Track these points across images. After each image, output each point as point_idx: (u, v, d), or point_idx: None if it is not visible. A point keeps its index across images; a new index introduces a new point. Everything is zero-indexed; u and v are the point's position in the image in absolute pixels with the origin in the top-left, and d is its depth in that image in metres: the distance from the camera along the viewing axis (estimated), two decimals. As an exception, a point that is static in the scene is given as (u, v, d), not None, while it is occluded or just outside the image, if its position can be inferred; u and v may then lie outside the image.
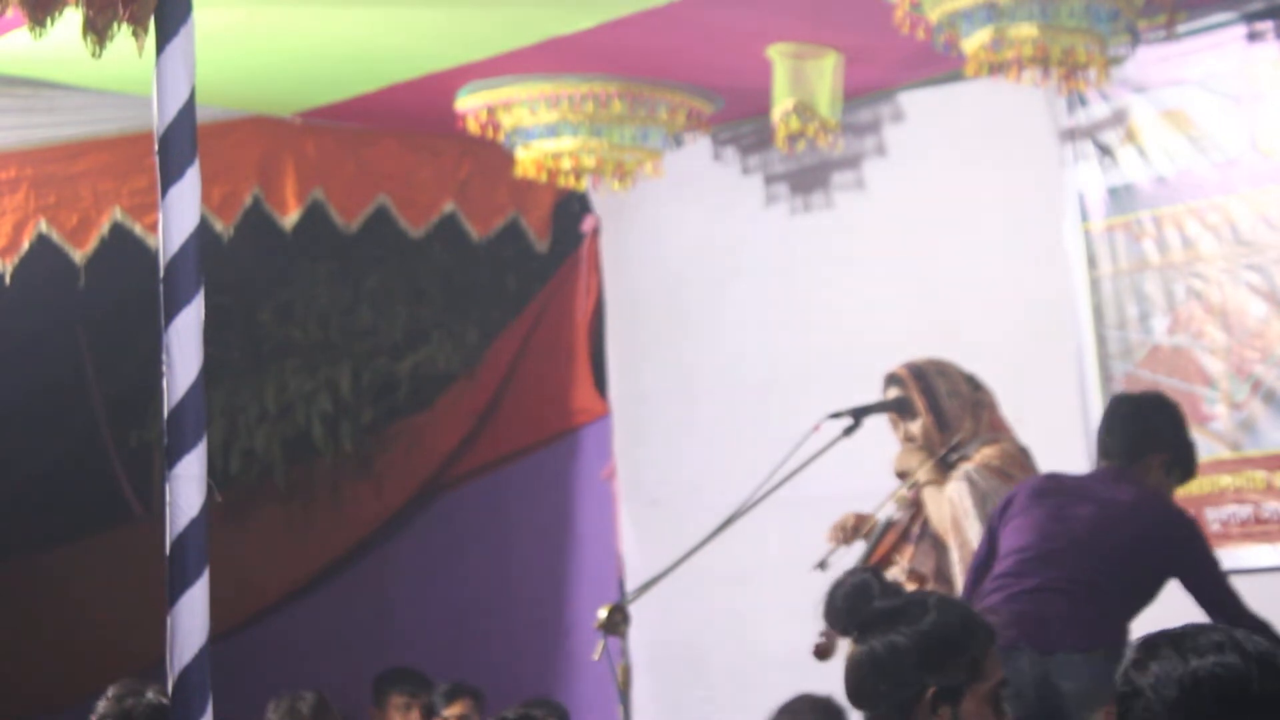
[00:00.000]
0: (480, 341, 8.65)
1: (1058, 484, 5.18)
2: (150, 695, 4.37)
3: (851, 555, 5.70)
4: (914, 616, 3.27)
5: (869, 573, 3.42)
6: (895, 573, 5.63)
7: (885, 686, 3.24)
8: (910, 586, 5.57)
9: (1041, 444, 5.69)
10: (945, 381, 5.65)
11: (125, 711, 4.37)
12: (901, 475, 5.67)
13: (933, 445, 5.59)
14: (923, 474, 5.56)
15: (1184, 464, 5.22)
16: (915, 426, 5.62)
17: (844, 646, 5.44)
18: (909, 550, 5.59)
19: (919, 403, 5.61)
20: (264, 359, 8.81)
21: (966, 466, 5.50)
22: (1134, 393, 5.75)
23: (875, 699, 3.27)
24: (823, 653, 5.51)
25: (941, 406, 5.60)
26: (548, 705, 6.18)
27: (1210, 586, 4.96)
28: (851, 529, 5.73)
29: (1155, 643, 2.75)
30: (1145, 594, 5.00)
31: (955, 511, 5.42)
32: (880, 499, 5.78)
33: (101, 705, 4.42)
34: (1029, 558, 4.98)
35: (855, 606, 3.38)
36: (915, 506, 5.63)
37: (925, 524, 5.58)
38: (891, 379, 5.71)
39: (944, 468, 5.56)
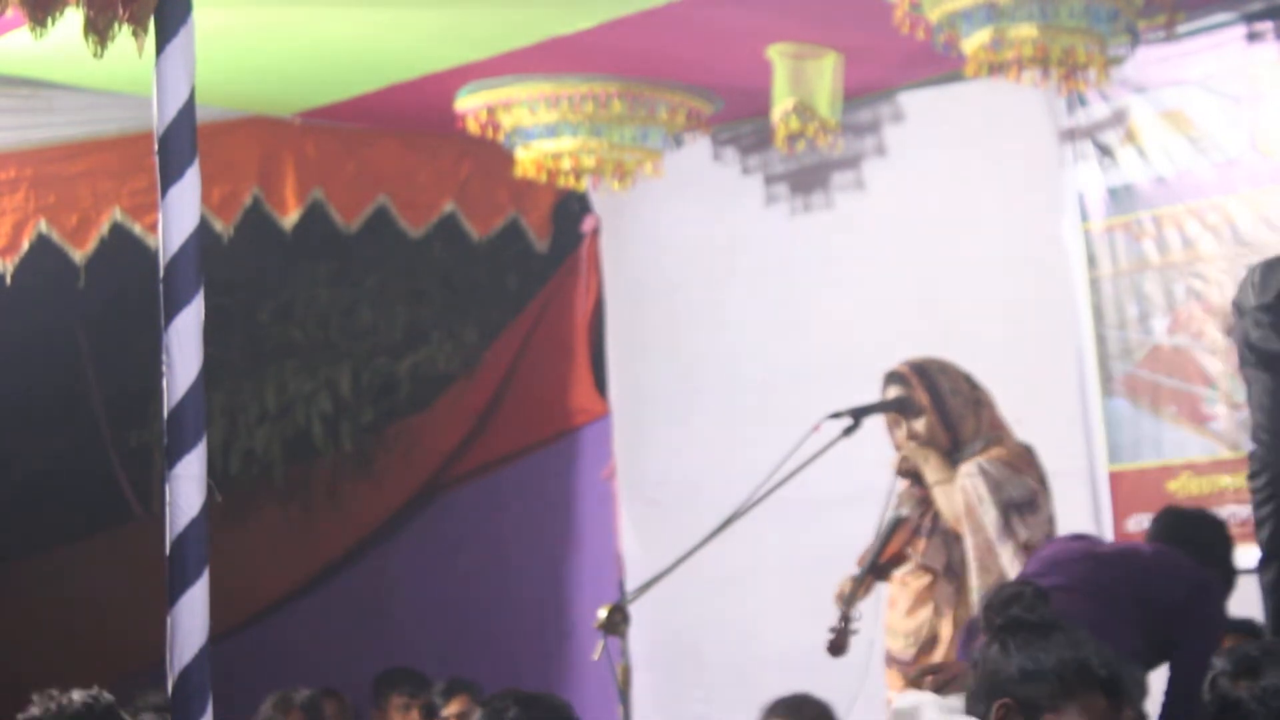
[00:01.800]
0: (480, 342, 8.65)
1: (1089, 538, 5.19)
2: (76, 696, 4.37)
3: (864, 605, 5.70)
4: (1033, 636, 3.34)
5: (1029, 587, 3.51)
6: (908, 567, 5.64)
7: (979, 686, 3.31)
8: (922, 579, 5.57)
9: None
10: (947, 379, 5.66)
11: (60, 709, 4.39)
12: (905, 473, 5.66)
13: (938, 442, 5.60)
14: (931, 471, 5.57)
15: (1228, 583, 5.14)
16: (920, 424, 5.62)
17: (855, 643, 5.49)
18: (921, 544, 5.60)
19: (923, 400, 5.61)
20: (264, 359, 8.81)
21: (977, 459, 5.51)
22: (1188, 509, 5.61)
23: (974, 696, 3.35)
24: (835, 648, 5.51)
25: (945, 404, 5.61)
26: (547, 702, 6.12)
27: (1195, 657, 4.83)
28: (850, 594, 5.73)
29: (1249, 655, 2.77)
30: (1154, 646, 4.89)
31: (969, 499, 5.42)
32: (880, 499, 5.78)
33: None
34: (1050, 560, 4.96)
35: (1000, 611, 3.49)
36: (925, 503, 5.64)
37: (936, 519, 5.58)
38: (893, 377, 5.71)
39: (952, 463, 5.57)
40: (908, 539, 5.65)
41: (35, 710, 4.40)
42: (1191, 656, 4.76)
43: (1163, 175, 6.46)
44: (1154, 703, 4.66)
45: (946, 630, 5.46)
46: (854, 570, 5.74)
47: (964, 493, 5.46)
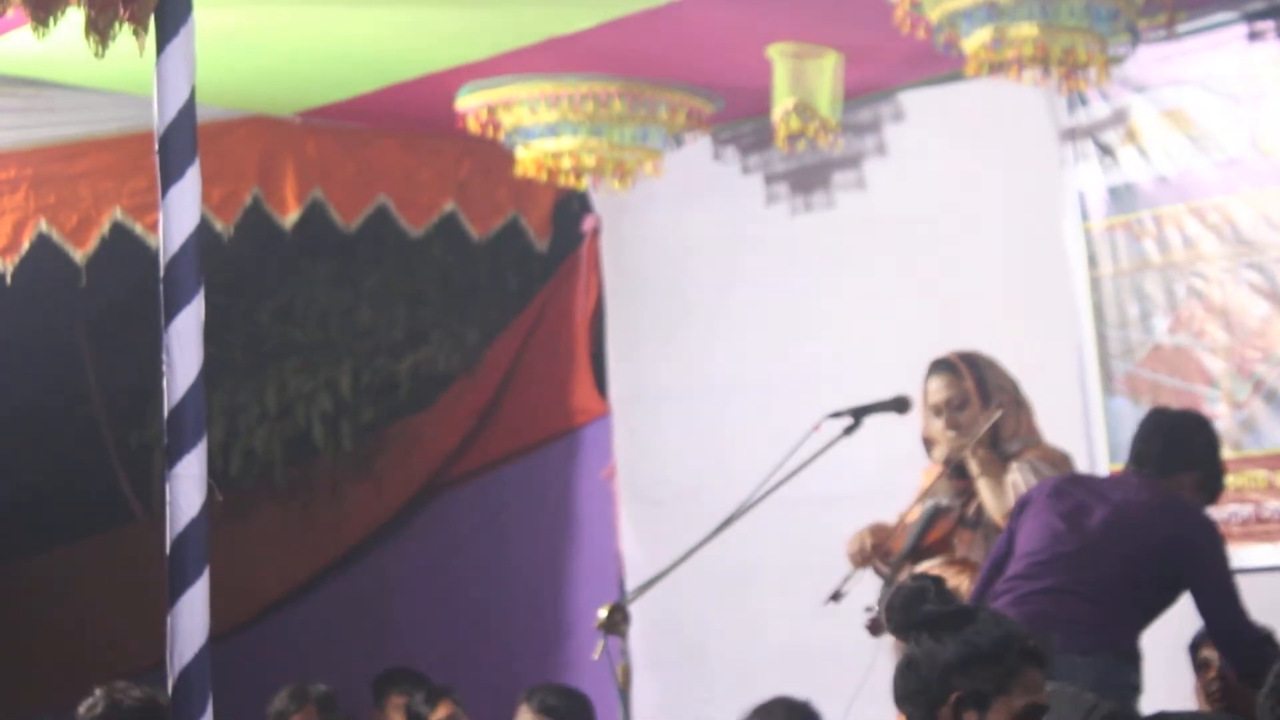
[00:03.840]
0: (480, 341, 8.65)
1: (1076, 485, 5.15)
2: (138, 692, 4.37)
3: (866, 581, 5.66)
4: (957, 625, 3.32)
5: (929, 579, 3.48)
6: (939, 560, 5.61)
7: (917, 687, 3.30)
8: (949, 573, 5.56)
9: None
10: (994, 374, 5.70)
11: (115, 703, 4.40)
12: (948, 463, 5.65)
13: (979, 434, 5.60)
14: (977, 463, 5.57)
15: (1212, 486, 5.17)
16: (964, 415, 5.64)
17: (858, 640, 5.48)
18: (966, 536, 5.60)
19: (971, 389, 5.64)
20: (264, 359, 8.81)
21: (1027, 456, 5.52)
22: (1174, 409, 5.59)
23: (910, 700, 3.32)
24: (875, 628, 5.50)
25: (991, 398, 5.63)
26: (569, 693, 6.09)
27: (1213, 594, 4.91)
28: (871, 548, 5.70)
29: None
30: (1161, 599, 4.96)
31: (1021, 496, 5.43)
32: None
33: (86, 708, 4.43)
34: (1041, 560, 4.96)
35: (909, 610, 3.43)
36: (965, 495, 5.63)
37: (980, 512, 5.58)
38: (941, 364, 5.72)
39: (999, 459, 5.57)
40: (952, 528, 5.63)
41: (94, 704, 4.42)
42: (1212, 592, 4.90)
43: (1163, 174, 6.46)
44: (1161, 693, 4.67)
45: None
46: (866, 536, 5.73)
47: (1016, 490, 5.46)
